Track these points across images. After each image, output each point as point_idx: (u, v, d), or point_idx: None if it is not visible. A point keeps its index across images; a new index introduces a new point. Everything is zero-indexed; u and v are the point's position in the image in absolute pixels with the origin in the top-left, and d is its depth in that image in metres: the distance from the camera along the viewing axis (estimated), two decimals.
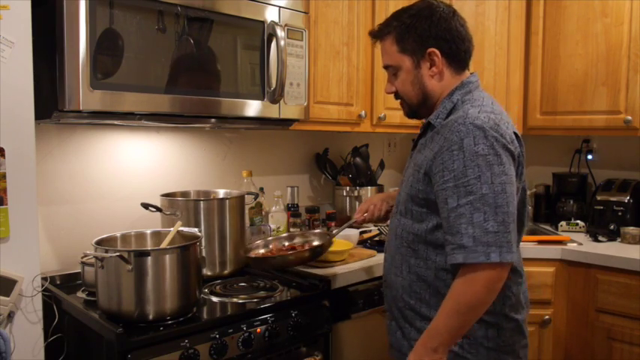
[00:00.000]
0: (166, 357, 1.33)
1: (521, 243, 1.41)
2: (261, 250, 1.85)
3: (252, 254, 1.78)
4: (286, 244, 1.90)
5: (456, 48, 1.35)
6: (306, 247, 1.80)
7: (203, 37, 1.65)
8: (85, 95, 1.38)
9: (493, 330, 1.30)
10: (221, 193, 2.04)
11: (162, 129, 2.07)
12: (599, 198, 2.49)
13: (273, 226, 2.20)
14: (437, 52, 1.33)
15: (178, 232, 1.58)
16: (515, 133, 1.28)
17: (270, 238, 1.93)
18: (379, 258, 1.99)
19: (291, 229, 2.26)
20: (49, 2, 1.38)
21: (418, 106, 1.40)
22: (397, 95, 1.43)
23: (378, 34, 1.42)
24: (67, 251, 1.82)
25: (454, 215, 1.18)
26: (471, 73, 1.40)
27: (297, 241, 1.91)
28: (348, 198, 2.58)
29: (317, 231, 2.06)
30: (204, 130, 2.18)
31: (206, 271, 1.80)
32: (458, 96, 1.34)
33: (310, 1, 2.00)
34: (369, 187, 2.57)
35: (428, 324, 1.25)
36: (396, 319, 1.41)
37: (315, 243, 1.85)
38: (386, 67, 1.43)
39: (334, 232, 1.92)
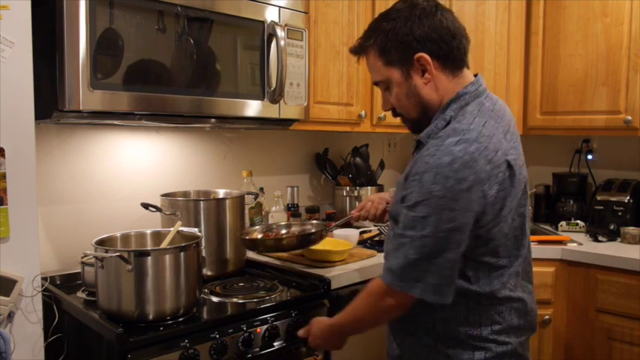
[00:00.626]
0: (166, 357, 1.33)
1: (528, 239, 1.33)
2: (259, 235, 1.91)
3: (247, 236, 1.86)
4: (283, 231, 1.96)
5: (447, 46, 1.19)
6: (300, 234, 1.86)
7: (203, 37, 1.65)
8: (85, 95, 1.38)
9: (480, 353, 1.22)
10: (221, 193, 2.04)
11: (162, 129, 2.07)
12: (599, 198, 2.49)
13: None
14: (425, 56, 1.18)
15: (178, 232, 1.58)
16: (508, 161, 1.15)
17: (269, 223, 2.04)
18: (379, 258, 1.99)
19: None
20: (49, 2, 1.38)
21: (419, 119, 1.26)
22: (395, 112, 1.31)
23: (359, 50, 1.29)
24: (67, 251, 1.82)
25: (398, 239, 1.16)
26: (474, 75, 1.26)
27: (295, 229, 1.97)
28: (348, 198, 2.58)
29: (314, 222, 2.10)
30: (204, 130, 2.18)
31: (206, 271, 1.80)
32: (451, 112, 1.19)
33: (310, 1, 2.00)
34: (369, 187, 2.58)
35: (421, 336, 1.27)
36: (391, 327, 1.39)
37: (311, 230, 1.89)
38: (376, 84, 1.31)
39: (333, 224, 1.97)
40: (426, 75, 1.20)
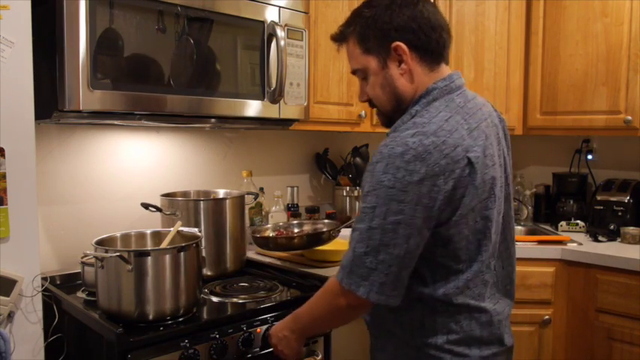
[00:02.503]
0: (166, 357, 1.33)
1: (515, 258, 1.30)
2: (271, 233, 1.95)
3: (259, 234, 1.90)
4: (296, 230, 1.99)
5: (425, 38, 1.16)
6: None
7: (203, 37, 1.65)
8: (85, 95, 1.38)
9: None
10: (221, 193, 2.04)
11: (162, 129, 2.07)
12: (599, 198, 2.49)
13: None
14: (402, 45, 1.15)
15: (178, 232, 1.58)
16: (469, 158, 1.09)
17: (280, 223, 2.05)
18: None
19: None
20: (49, 2, 1.38)
21: (393, 112, 1.22)
22: (371, 103, 1.28)
23: (339, 38, 1.27)
24: (67, 251, 1.82)
25: (352, 233, 1.13)
26: (453, 72, 1.23)
27: (307, 228, 2.00)
28: (348, 198, 2.58)
29: (326, 221, 2.12)
30: (204, 130, 2.18)
31: (206, 271, 1.80)
32: (418, 107, 1.16)
33: (310, 1, 2.00)
34: None
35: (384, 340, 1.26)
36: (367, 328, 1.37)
37: (322, 229, 1.91)
38: (354, 72, 1.28)
39: (343, 225, 1.98)
40: (402, 65, 1.17)
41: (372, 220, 1.07)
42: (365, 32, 1.19)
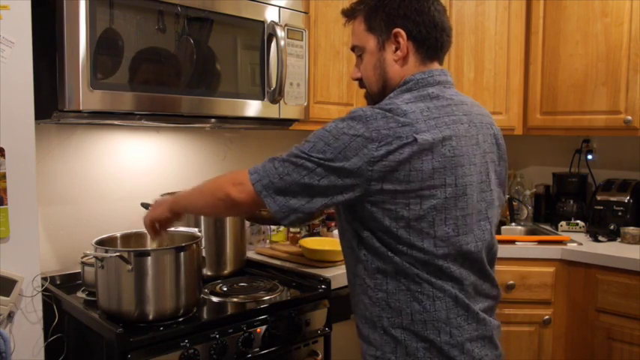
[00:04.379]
0: (166, 357, 1.33)
1: (489, 241, 1.24)
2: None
3: None
4: None
5: (426, 33, 1.21)
6: None
7: (203, 37, 1.65)
8: (84, 95, 1.38)
9: (401, 347, 1.16)
10: None
11: (162, 129, 2.07)
12: (599, 198, 2.49)
13: (273, 226, 2.20)
14: (402, 32, 1.21)
15: (179, 231, 1.58)
16: (415, 139, 1.08)
17: None
18: None
19: (291, 230, 2.26)
20: (49, 2, 1.38)
21: (378, 94, 1.27)
22: (361, 83, 1.31)
23: (350, 13, 1.30)
24: (67, 251, 1.82)
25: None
26: (439, 69, 1.24)
27: None
28: None
29: None
30: (204, 130, 2.18)
31: (206, 271, 1.80)
32: (392, 94, 1.22)
33: (310, 1, 2.00)
34: None
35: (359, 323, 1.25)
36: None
37: None
38: (352, 49, 1.31)
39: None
40: (398, 52, 1.22)
41: (299, 149, 1.17)
42: (373, 12, 1.24)
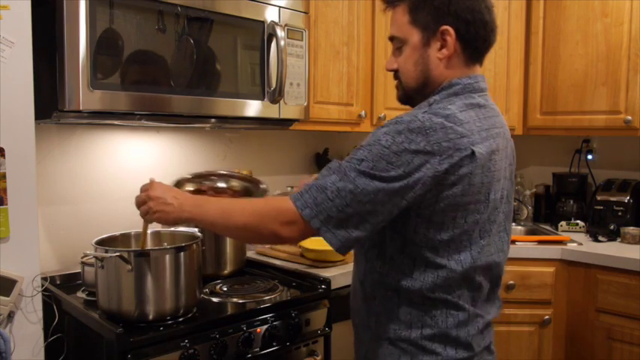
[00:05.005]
0: (166, 357, 1.33)
1: (506, 252, 1.25)
2: (191, 187, 1.64)
3: (179, 187, 1.61)
4: (221, 184, 1.68)
5: (475, 33, 1.15)
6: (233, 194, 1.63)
7: (203, 37, 1.65)
8: (84, 95, 1.38)
9: (406, 357, 1.15)
10: None
11: (162, 129, 2.07)
12: (599, 198, 2.49)
13: None
14: (451, 31, 1.13)
15: (179, 231, 1.58)
16: (473, 151, 1.06)
17: (203, 173, 1.72)
18: None
19: None
20: (49, 2, 1.38)
21: (415, 91, 1.20)
22: (396, 75, 1.23)
23: (391, 0, 1.21)
24: (67, 251, 1.82)
25: (329, 169, 1.10)
26: (480, 74, 1.21)
27: (235, 184, 1.71)
28: None
29: (251, 177, 1.78)
30: (204, 130, 2.18)
31: (206, 271, 1.79)
32: (438, 97, 1.15)
33: (310, 1, 2.00)
34: None
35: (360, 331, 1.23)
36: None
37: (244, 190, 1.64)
38: (391, 39, 1.22)
39: (277, 192, 1.80)
40: (444, 50, 1.15)
41: (355, 170, 1.05)
42: (419, 4, 1.15)
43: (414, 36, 1.16)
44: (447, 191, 1.06)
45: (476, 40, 1.16)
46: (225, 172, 1.76)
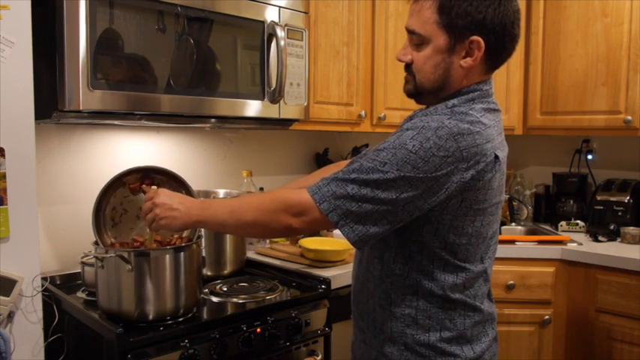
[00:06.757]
0: (166, 357, 1.33)
1: (491, 261, 1.25)
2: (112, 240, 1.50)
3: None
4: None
5: (502, 45, 1.11)
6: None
7: (203, 37, 1.65)
8: (84, 95, 1.38)
9: None
10: (221, 193, 2.04)
11: (162, 129, 2.07)
12: (599, 198, 2.49)
13: None
14: (482, 43, 1.09)
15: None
16: (497, 156, 1.09)
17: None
18: None
19: None
20: (49, 2, 1.38)
21: (428, 91, 1.16)
22: (408, 67, 1.17)
23: None
24: (67, 251, 1.82)
25: (352, 164, 1.07)
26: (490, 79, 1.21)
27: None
28: None
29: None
30: (204, 130, 2.18)
31: (206, 271, 1.79)
32: (456, 101, 1.13)
33: (310, 1, 2.00)
34: None
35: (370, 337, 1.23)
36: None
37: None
38: (410, 32, 1.14)
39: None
40: (468, 59, 1.11)
41: (377, 171, 1.03)
42: (453, 7, 1.09)
43: (440, 39, 1.11)
44: (471, 197, 1.08)
45: (502, 52, 1.14)
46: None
